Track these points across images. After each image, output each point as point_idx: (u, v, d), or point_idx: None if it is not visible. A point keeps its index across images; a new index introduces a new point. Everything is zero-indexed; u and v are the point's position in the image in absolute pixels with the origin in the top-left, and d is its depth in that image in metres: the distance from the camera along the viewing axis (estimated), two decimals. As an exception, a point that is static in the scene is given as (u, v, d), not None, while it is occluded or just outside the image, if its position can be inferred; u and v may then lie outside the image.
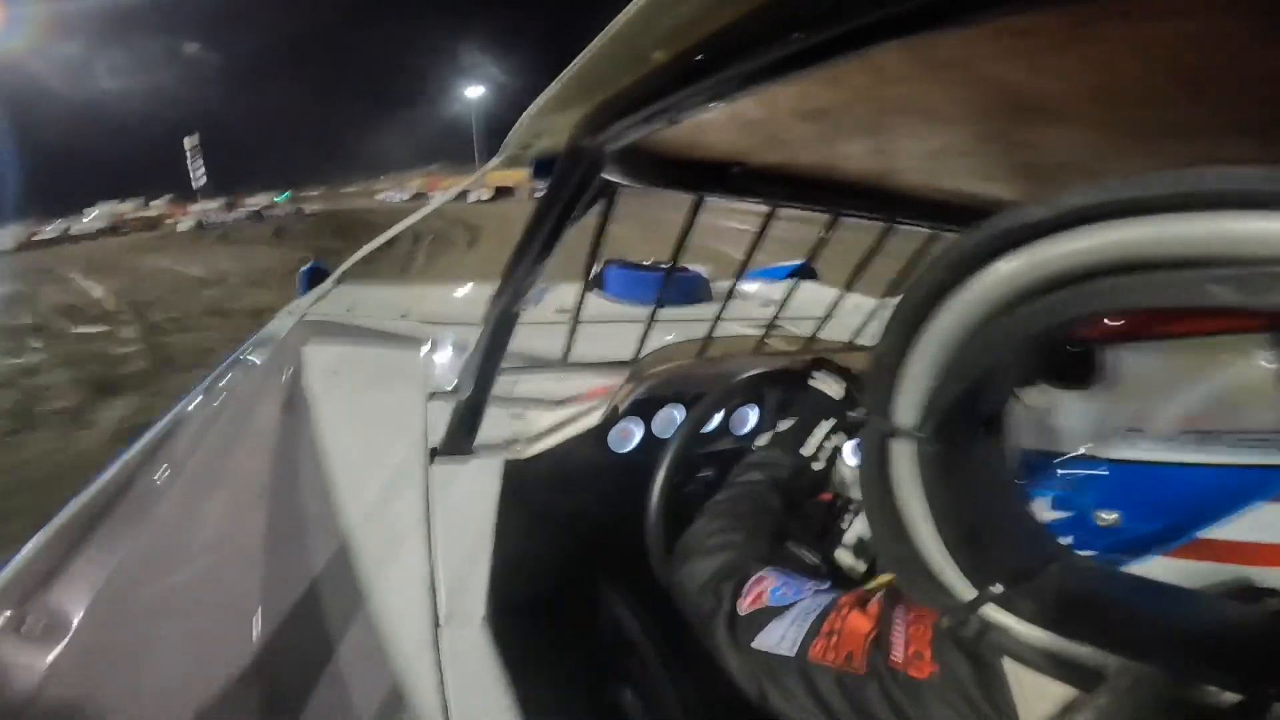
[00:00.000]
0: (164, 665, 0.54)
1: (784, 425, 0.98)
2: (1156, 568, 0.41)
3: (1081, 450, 0.44)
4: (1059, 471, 0.45)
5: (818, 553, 0.89)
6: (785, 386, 1.13)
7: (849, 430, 0.98)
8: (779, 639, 0.58)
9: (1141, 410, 0.41)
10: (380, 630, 0.60)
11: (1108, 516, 0.43)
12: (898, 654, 0.50)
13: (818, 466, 0.94)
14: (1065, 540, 0.45)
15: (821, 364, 1.07)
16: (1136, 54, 0.32)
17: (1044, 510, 0.46)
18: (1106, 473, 0.43)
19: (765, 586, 0.65)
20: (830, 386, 1.02)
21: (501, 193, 30.75)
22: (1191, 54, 0.31)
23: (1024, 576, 0.42)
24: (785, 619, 0.60)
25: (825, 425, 0.96)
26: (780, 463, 0.92)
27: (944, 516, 0.42)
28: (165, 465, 0.77)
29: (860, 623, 0.54)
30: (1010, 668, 0.44)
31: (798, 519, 0.92)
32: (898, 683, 0.49)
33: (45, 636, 0.53)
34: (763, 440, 0.98)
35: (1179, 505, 0.40)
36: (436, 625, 0.62)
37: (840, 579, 0.75)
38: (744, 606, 0.64)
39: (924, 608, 0.51)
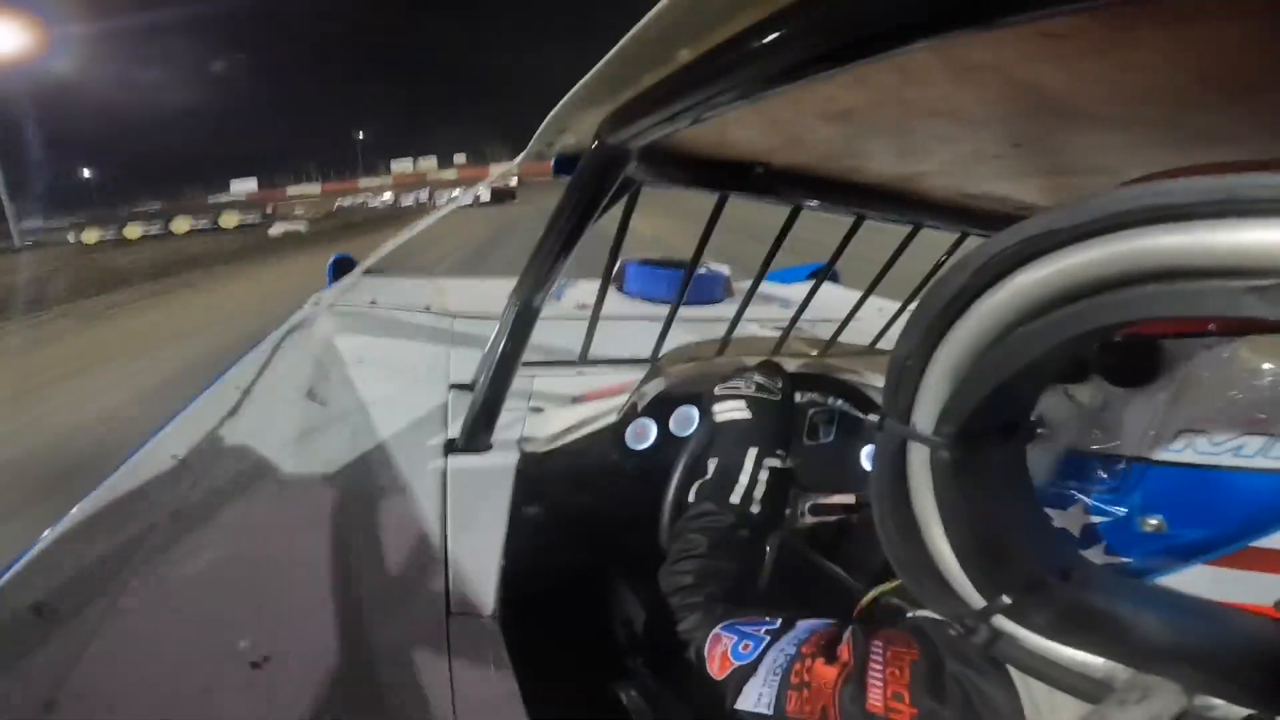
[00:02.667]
0: (179, 655, 0.55)
1: (711, 469, 0.85)
2: (1202, 576, 0.39)
3: (1132, 452, 0.42)
4: (1100, 474, 0.44)
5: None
6: (802, 390, 1.12)
7: (784, 447, 0.86)
8: (756, 699, 0.57)
9: (1202, 411, 0.39)
10: (391, 620, 0.61)
11: (1153, 521, 0.41)
12: (876, 699, 0.48)
13: (757, 510, 0.81)
14: (1098, 546, 0.44)
15: (731, 375, 0.92)
16: (1172, 58, 0.32)
17: (1077, 515, 0.45)
18: (1156, 476, 0.41)
19: (724, 647, 0.63)
20: (736, 412, 0.87)
21: (500, 196, 23.77)
22: (1227, 58, 0.30)
23: (1036, 587, 0.41)
24: (759, 677, 0.58)
25: (749, 458, 0.82)
26: (716, 520, 0.80)
27: (958, 523, 0.41)
28: (186, 454, 0.78)
29: (827, 673, 0.53)
30: (1023, 690, 0.44)
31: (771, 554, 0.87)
32: None
33: (62, 628, 0.54)
34: (692, 496, 0.86)
35: (1233, 511, 0.38)
36: (448, 615, 0.63)
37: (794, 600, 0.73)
38: (714, 672, 0.62)
39: (900, 646, 0.50)
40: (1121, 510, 0.43)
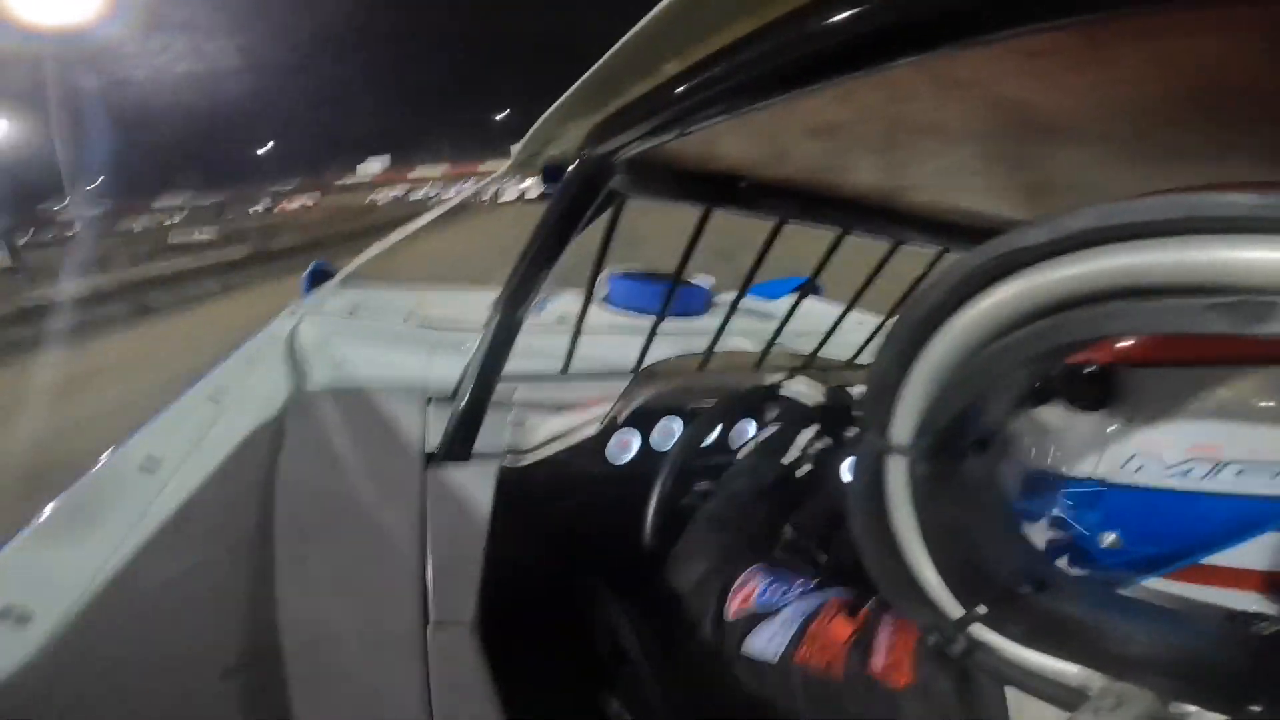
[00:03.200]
0: (152, 661, 0.53)
1: (766, 434, 0.98)
2: (1155, 589, 0.41)
3: (1090, 472, 0.43)
4: (1062, 491, 0.45)
5: (820, 550, 0.89)
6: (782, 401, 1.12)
7: (834, 436, 0.98)
8: (765, 643, 0.58)
9: (1151, 435, 0.40)
10: (368, 629, 0.60)
11: (1109, 538, 0.42)
12: (877, 661, 0.50)
13: (801, 473, 0.94)
14: (1063, 558, 0.45)
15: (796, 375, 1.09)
16: (1151, 75, 0.32)
17: (1043, 529, 0.46)
18: (1111, 495, 0.42)
19: (752, 589, 0.65)
20: (804, 392, 1.04)
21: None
22: (1206, 75, 0.31)
23: (1011, 596, 0.42)
24: (773, 623, 0.59)
25: (808, 432, 0.96)
26: (763, 470, 0.92)
27: (935, 534, 0.42)
28: (159, 460, 0.76)
29: (841, 628, 0.54)
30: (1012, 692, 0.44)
31: (795, 520, 0.92)
32: (874, 691, 0.49)
33: (34, 633, 0.52)
34: (746, 448, 0.98)
35: (1183, 531, 0.40)
36: (425, 627, 0.61)
37: (846, 575, 0.75)
38: (731, 611, 0.64)
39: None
40: (1082, 527, 0.44)
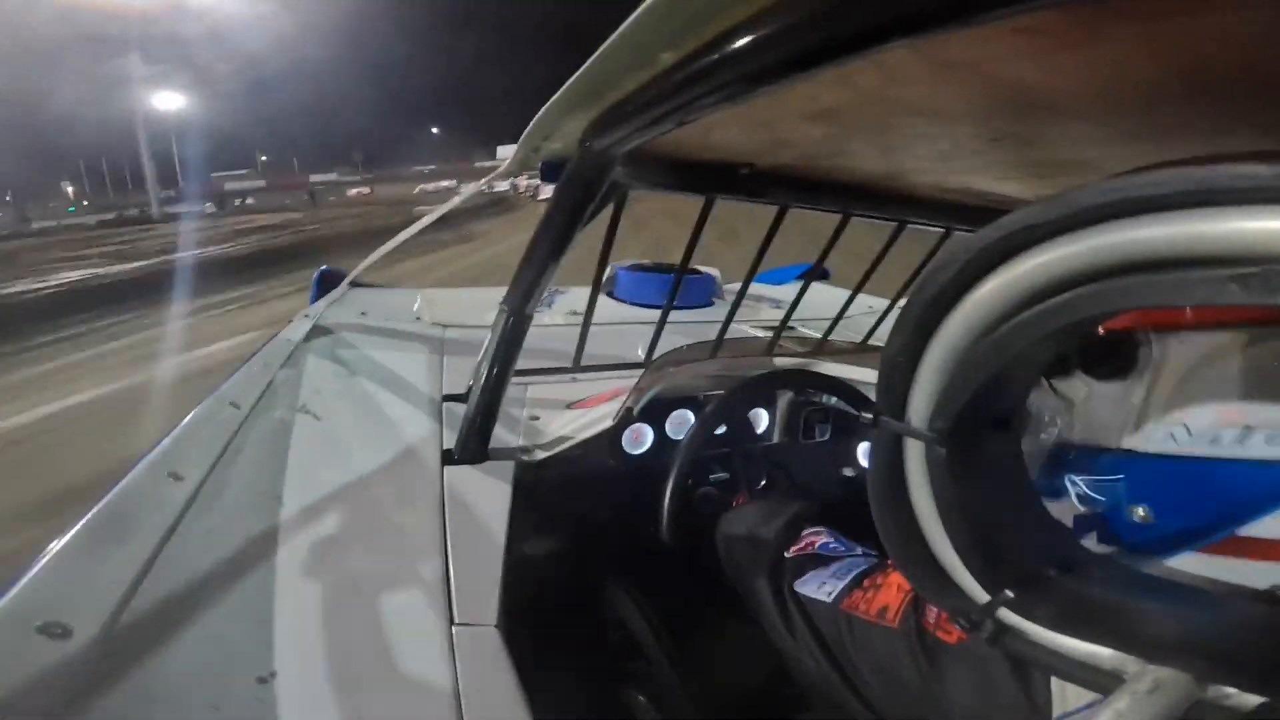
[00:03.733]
0: (189, 670, 0.54)
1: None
2: (1190, 564, 0.40)
3: (1116, 443, 0.42)
4: (1090, 465, 0.44)
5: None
6: (796, 389, 1.12)
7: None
8: (819, 585, 0.60)
9: (1180, 403, 0.39)
10: (395, 633, 0.61)
11: (1140, 511, 0.41)
12: (930, 615, 0.51)
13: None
14: (1090, 536, 0.44)
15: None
16: (1147, 52, 0.32)
17: (1071, 505, 0.45)
18: (1141, 467, 0.41)
19: (817, 539, 0.67)
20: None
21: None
22: (1203, 52, 0.31)
23: (1038, 580, 0.41)
24: (829, 569, 0.61)
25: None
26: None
27: (956, 518, 0.41)
28: (187, 468, 0.78)
29: (903, 581, 0.55)
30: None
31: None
32: (925, 642, 0.50)
33: (70, 648, 0.54)
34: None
35: (1216, 502, 0.38)
36: (451, 627, 0.62)
37: None
38: (792, 551, 0.66)
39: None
40: (1110, 501, 0.43)
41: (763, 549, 0.70)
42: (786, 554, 0.66)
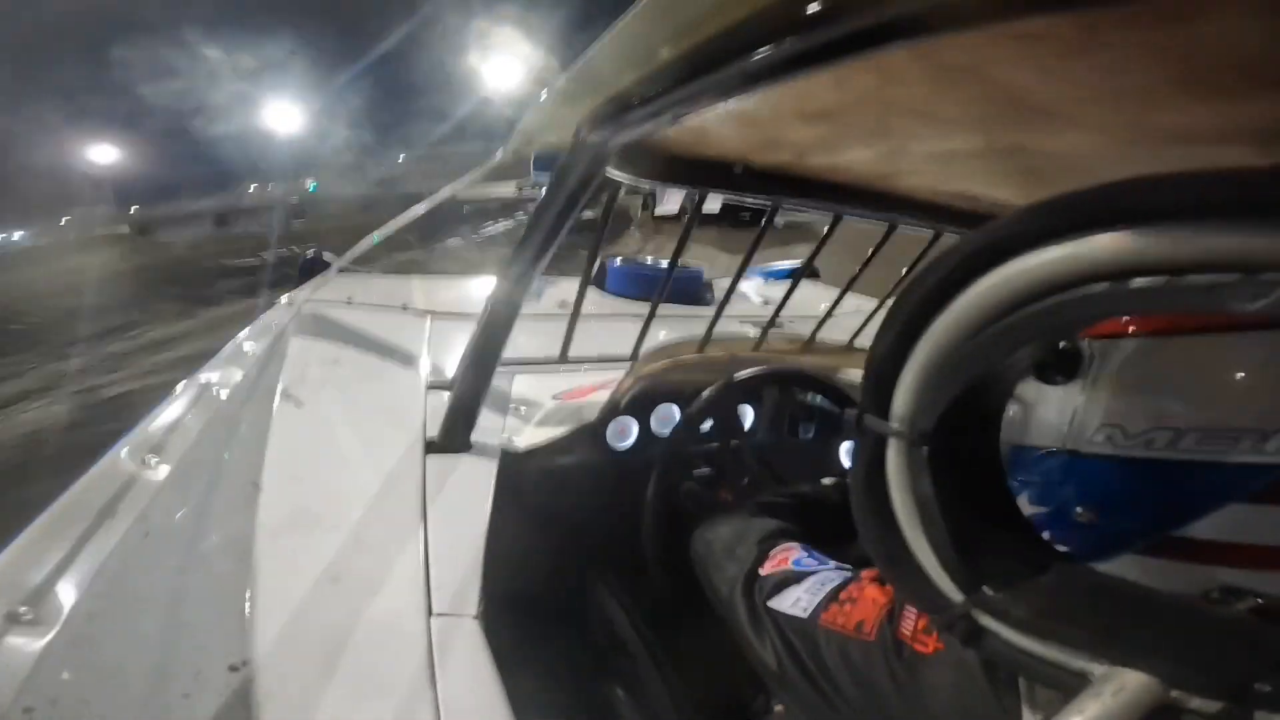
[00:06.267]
0: (158, 658, 0.54)
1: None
2: (1130, 566, 0.41)
3: (1061, 445, 0.44)
4: (1038, 466, 0.46)
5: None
6: (782, 387, 1.13)
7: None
8: (794, 601, 0.60)
9: (1116, 406, 0.41)
10: (371, 622, 0.60)
11: (1080, 511, 0.43)
12: (906, 627, 0.51)
13: None
14: (1043, 535, 0.46)
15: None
16: (1146, 59, 0.32)
17: (1023, 505, 0.47)
18: (1082, 468, 0.43)
19: (790, 555, 0.67)
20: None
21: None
22: (1202, 59, 0.31)
23: (1011, 582, 0.42)
24: (804, 584, 0.61)
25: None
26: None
27: (934, 518, 0.42)
28: (159, 456, 0.77)
29: (878, 594, 0.56)
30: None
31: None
32: (901, 654, 0.50)
33: (37, 635, 0.53)
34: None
35: (1152, 502, 0.40)
36: (429, 617, 0.62)
37: None
38: (766, 568, 0.66)
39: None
40: (1057, 502, 0.45)
41: (736, 567, 0.70)
42: (761, 572, 0.66)
